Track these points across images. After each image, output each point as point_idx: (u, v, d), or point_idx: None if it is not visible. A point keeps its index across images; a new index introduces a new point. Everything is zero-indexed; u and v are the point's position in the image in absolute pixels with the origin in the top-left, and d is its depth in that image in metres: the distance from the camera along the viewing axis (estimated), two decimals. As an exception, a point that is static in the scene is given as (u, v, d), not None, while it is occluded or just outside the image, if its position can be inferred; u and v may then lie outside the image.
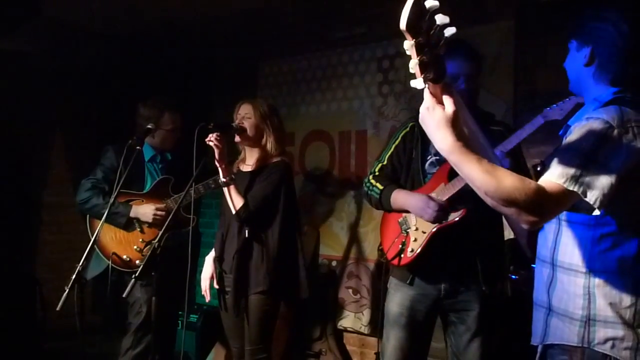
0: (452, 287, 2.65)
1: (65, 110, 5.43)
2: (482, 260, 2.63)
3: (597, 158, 1.58)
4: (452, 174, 2.58)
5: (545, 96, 3.41)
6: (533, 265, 2.01)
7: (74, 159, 5.46)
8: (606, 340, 1.66)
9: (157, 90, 3.74)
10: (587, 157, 1.58)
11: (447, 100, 1.50)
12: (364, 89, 4.43)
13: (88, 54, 5.19)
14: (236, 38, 5.01)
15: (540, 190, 1.53)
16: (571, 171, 1.56)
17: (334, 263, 4.51)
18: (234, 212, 2.98)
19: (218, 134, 2.95)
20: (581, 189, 1.56)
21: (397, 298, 2.74)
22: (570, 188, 1.55)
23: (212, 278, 3.22)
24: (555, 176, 1.57)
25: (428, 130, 1.54)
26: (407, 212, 2.70)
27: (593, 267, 1.69)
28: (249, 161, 3.18)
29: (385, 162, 2.84)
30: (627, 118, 1.64)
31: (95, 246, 3.33)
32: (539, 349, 1.86)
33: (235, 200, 2.98)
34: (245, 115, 3.09)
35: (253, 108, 3.11)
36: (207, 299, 3.26)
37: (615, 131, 1.61)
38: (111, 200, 2.91)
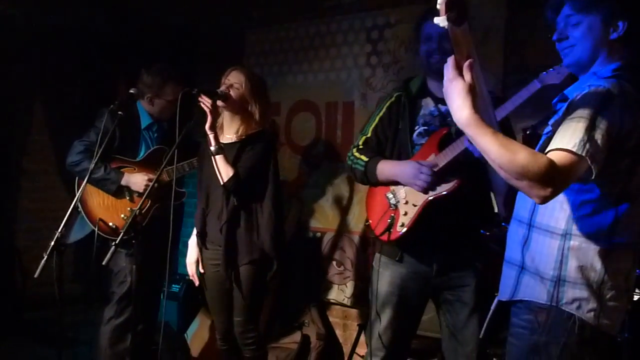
0: (445, 263, 2.56)
1: (47, 75, 5.31)
2: (474, 235, 2.59)
3: (599, 124, 1.62)
4: (443, 144, 2.50)
5: (535, 70, 3.36)
6: (503, 224, 2.05)
7: (55, 125, 5.36)
8: (573, 301, 1.74)
9: (142, 58, 3.67)
10: (591, 122, 1.62)
11: (467, 73, 1.60)
12: (352, 60, 4.36)
13: (71, 19, 5.07)
14: (223, 5, 4.90)
15: (551, 164, 1.58)
16: (579, 136, 1.60)
17: (318, 235, 4.50)
18: (222, 182, 2.93)
19: (213, 101, 2.91)
20: (588, 154, 1.59)
21: (387, 277, 2.63)
22: (580, 152, 1.59)
23: (197, 262, 3.18)
24: (564, 142, 1.62)
25: (449, 101, 1.65)
26: (396, 183, 2.57)
27: (570, 231, 1.76)
28: (227, 131, 3.12)
29: (369, 135, 2.71)
30: (626, 90, 1.69)
31: (78, 211, 3.28)
32: (495, 303, 1.98)
33: (224, 170, 2.93)
34: (234, 84, 3.03)
35: (245, 78, 3.04)
36: (196, 283, 3.22)
37: (616, 99, 1.66)
38: (91, 166, 2.84)
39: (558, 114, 1.82)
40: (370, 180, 2.64)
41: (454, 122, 2.44)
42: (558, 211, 1.77)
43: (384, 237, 2.55)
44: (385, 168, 2.58)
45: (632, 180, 1.74)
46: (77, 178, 3.41)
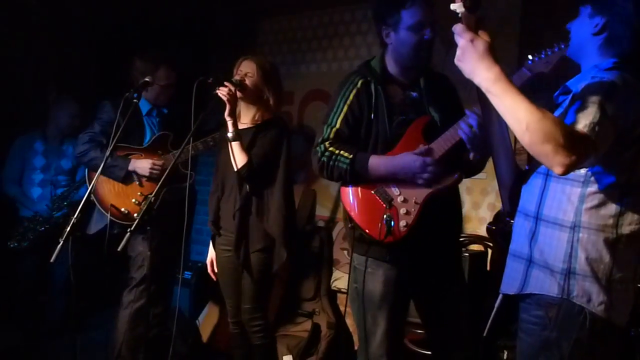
0: (434, 260, 2.44)
1: (61, 63, 5.33)
2: (459, 231, 2.58)
3: (607, 111, 1.61)
4: (427, 134, 2.37)
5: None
6: (507, 219, 2.04)
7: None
8: (584, 294, 1.73)
9: (156, 45, 3.69)
10: (600, 107, 1.61)
11: (484, 34, 1.61)
12: (365, 49, 4.34)
13: (87, 6, 5.08)
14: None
15: (576, 131, 1.57)
16: (589, 119, 1.59)
17: (329, 224, 4.50)
18: (236, 168, 2.96)
19: (231, 88, 2.92)
20: (597, 138, 1.59)
21: (380, 276, 2.43)
22: (590, 134, 1.58)
23: (213, 261, 3.24)
24: (575, 124, 1.60)
25: (469, 64, 1.62)
26: (387, 180, 2.37)
27: (578, 223, 1.74)
28: (244, 119, 3.15)
29: (338, 126, 2.43)
30: (629, 81, 1.69)
31: (94, 199, 3.34)
32: (500, 297, 1.97)
33: (239, 157, 2.95)
34: (247, 73, 3.05)
35: (257, 66, 3.07)
36: (214, 279, 3.28)
37: (620, 91, 1.65)
38: (107, 153, 2.87)
39: (562, 106, 1.81)
40: (355, 178, 2.39)
41: (433, 111, 2.41)
42: (566, 204, 1.77)
43: (390, 239, 2.33)
44: (381, 164, 2.35)
45: (637, 170, 1.74)
46: (86, 170, 3.52)
